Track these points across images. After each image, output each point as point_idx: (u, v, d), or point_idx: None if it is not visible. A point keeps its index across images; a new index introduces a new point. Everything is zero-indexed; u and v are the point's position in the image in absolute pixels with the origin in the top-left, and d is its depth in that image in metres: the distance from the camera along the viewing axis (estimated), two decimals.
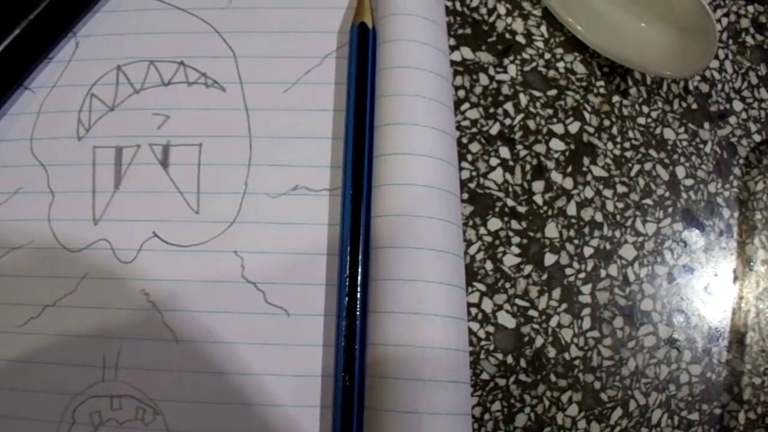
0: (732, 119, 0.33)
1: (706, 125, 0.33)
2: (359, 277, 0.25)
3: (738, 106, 0.33)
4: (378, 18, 0.28)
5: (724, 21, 0.35)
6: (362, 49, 0.28)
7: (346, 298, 0.25)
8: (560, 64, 0.32)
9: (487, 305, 0.28)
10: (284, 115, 0.28)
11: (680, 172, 0.32)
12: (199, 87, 0.29)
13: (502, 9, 0.33)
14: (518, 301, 0.28)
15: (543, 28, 0.32)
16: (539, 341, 0.28)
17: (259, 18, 0.30)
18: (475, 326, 0.28)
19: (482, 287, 0.28)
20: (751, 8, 0.35)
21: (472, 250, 0.29)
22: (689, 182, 0.31)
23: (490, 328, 0.28)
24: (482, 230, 0.29)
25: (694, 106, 0.33)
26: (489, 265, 0.29)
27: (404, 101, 0.26)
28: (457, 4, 0.33)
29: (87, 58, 0.29)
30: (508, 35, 0.32)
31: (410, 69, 0.27)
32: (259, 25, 0.29)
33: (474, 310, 0.28)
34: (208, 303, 0.26)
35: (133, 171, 0.28)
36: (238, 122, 0.28)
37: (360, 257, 0.25)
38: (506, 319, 0.28)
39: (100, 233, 0.28)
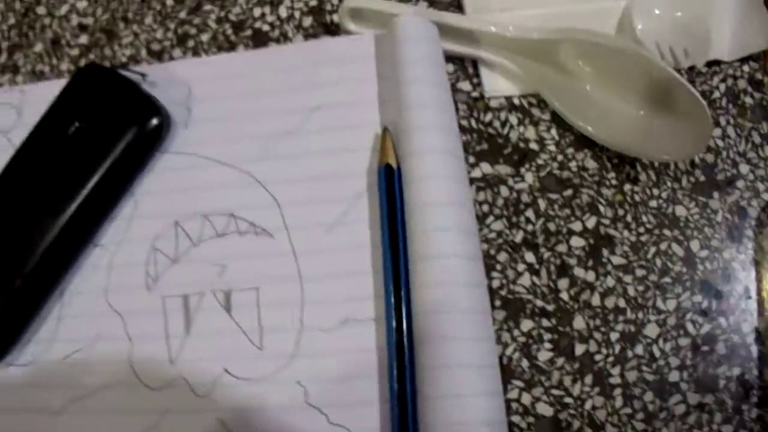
0: (740, 183, 0.45)
1: (716, 195, 0.45)
2: (408, 393, 0.45)
3: (744, 168, 0.46)
4: (402, 157, 0.44)
5: (722, 87, 0.49)
6: (390, 188, 0.45)
7: (398, 410, 0.45)
8: (572, 164, 0.46)
9: (526, 399, 0.41)
10: (328, 255, 0.44)
11: (694, 245, 0.44)
12: (250, 236, 0.47)
13: (513, 119, 0.47)
14: (554, 391, 0.42)
15: (553, 131, 0.47)
16: (576, 425, 0.40)
17: (295, 166, 0.48)
18: (516, 419, 0.41)
19: (520, 383, 0.42)
20: (746, 67, 0.50)
21: (509, 351, 0.42)
22: (704, 253, 0.44)
23: (531, 419, 0.41)
24: (516, 332, 0.43)
25: (702, 178, 0.45)
26: (525, 363, 0.42)
27: (434, 235, 0.44)
28: (473, 122, 0.48)
29: (147, 216, 0.49)
30: (522, 144, 0.47)
31: (435, 204, 0.42)
32: (295, 174, 0.47)
33: (515, 405, 0.41)
34: (279, 427, 0.44)
35: (201, 316, 0.46)
36: (288, 265, 0.45)
37: (407, 377, 0.45)
38: (545, 409, 0.41)
39: (177, 372, 0.46)
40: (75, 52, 0.58)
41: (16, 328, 0.49)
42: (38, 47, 0.59)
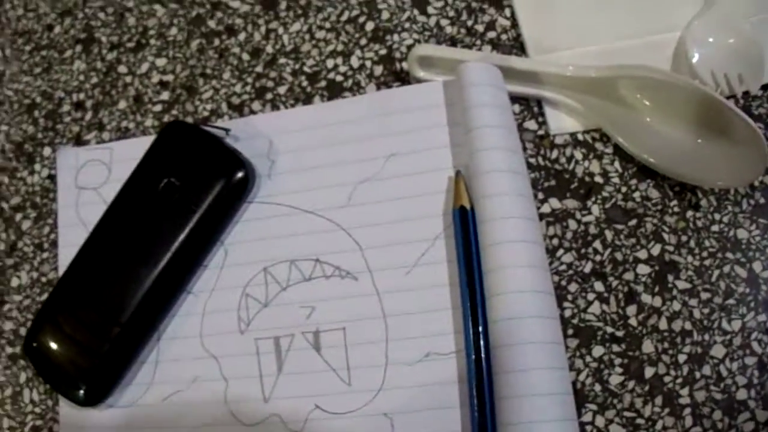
0: None
1: None
2: (488, 421, 0.51)
3: None
4: (475, 198, 0.48)
5: None
6: (465, 229, 0.51)
7: None
8: (636, 194, 0.50)
9: (600, 421, 0.46)
10: (410, 294, 0.50)
11: (757, 266, 0.48)
12: (336, 279, 0.54)
13: (578, 154, 0.52)
14: (626, 413, 0.46)
15: (617, 164, 0.51)
16: None
17: (375, 211, 0.54)
18: None
19: (594, 407, 0.47)
20: None
21: (582, 376, 0.47)
22: (767, 274, 0.48)
23: None
24: (588, 358, 0.48)
25: (762, 200, 0.49)
26: (597, 387, 0.47)
27: (508, 272, 0.49)
28: (540, 159, 0.52)
29: (237, 263, 0.57)
30: (587, 178, 0.51)
31: (509, 243, 0.46)
32: (376, 218, 0.53)
33: (589, 427, 0.46)
34: None
35: (292, 356, 0.53)
36: (372, 305, 0.51)
37: (487, 406, 0.53)
38: (617, 431, 0.46)
39: (271, 409, 0.53)
40: (158, 108, 0.64)
41: (117, 372, 0.57)
42: (122, 104, 0.67)
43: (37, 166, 0.69)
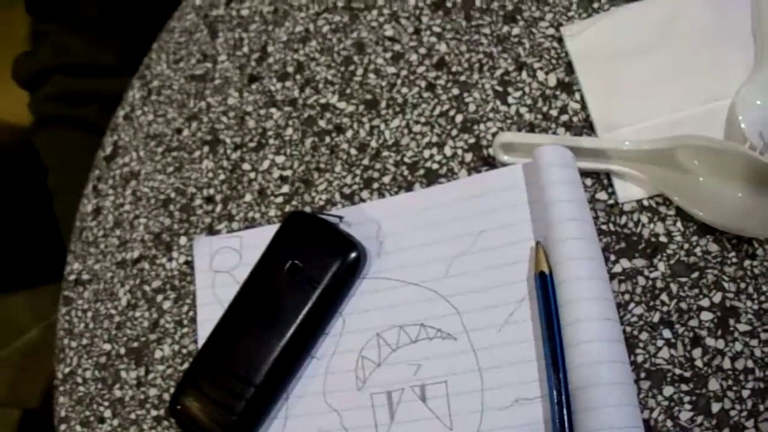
0: None
1: None
2: None
3: None
4: (553, 264, 0.56)
5: None
6: (545, 291, 0.60)
7: None
8: (697, 249, 0.57)
9: None
10: (501, 349, 0.58)
11: None
12: (438, 340, 0.63)
13: (644, 218, 0.59)
14: None
15: (679, 224, 0.58)
16: None
17: (469, 281, 0.65)
18: None
19: None
20: None
21: (654, 414, 0.54)
22: None
23: None
24: (659, 397, 0.54)
25: None
26: (669, 423, 0.53)
27: (583, 325, 0.58)
28: (611, 225, 0.59)
29: (354, 331, 0.69)
30: (653, 239, 0.58)
31: (583, 300, 0.53)
32: (470, 286, 0.61)
33: None
34: None
35: (402, 407, 0.63)
36: (469, 361, 0.59)
37: None
38: None
39: None
40: (279, 200, 0.75)
41: (251, 427, 0.69)
42: (248, 198, 0.78)
43: (174, 254, 0.82)
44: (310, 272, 0.67)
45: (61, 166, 1.23)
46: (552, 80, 0.70)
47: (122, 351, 0.78)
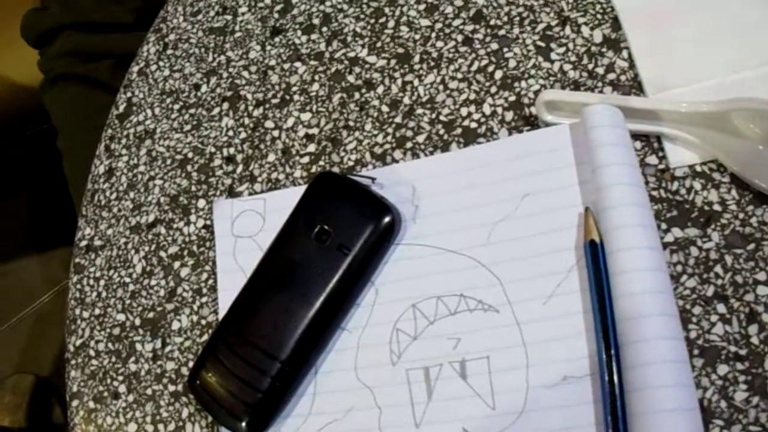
0: None
1: None
2: None
3: None
4: (603, 232, 0.55)
5: None
6: (596, 261, 0.59)
7: None
8: (753, 219, 0.55)
9: None
10: (547, 323, 0.56)
11: None
12: (479, 312, 0.62)
13: (697, 185, 0.57)
14: (752, 428, 0.51)
15: (733, 192, 0.56)
16: None
17: (513, 248, 0.62)
18: None
19: (720, 422, 0.51)
20: None
21: (708, 394, 0.52)
22: None
23: None
24: (713, 376, 0.53)
25: None
26: (723, 404, 0.52)
27: (636, 298, 0.54)
28: (662, 192, 0.57)
29: (387, 301, 0.66)
30: (706, 207, 0.56)
31: (635, 271, 0.51)
32: (513, 254, 0.62)
33: None
34: None
35: (440, 384, 0.61)
36: (513, 335, 0.57)
37: (620, 424, 0.59)
38: None
39: None
40: (305, 159, 0.73)
41: (277, 405, 0.66)
42: (271, 158, 0.76)
43: (192, 217, 0.79)
44: (340, 238, 0.64)
45: (71, 126, 1.20)
46: (598, 36, 0.68)
47: (137, 322, 0.76)
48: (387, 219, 0.64)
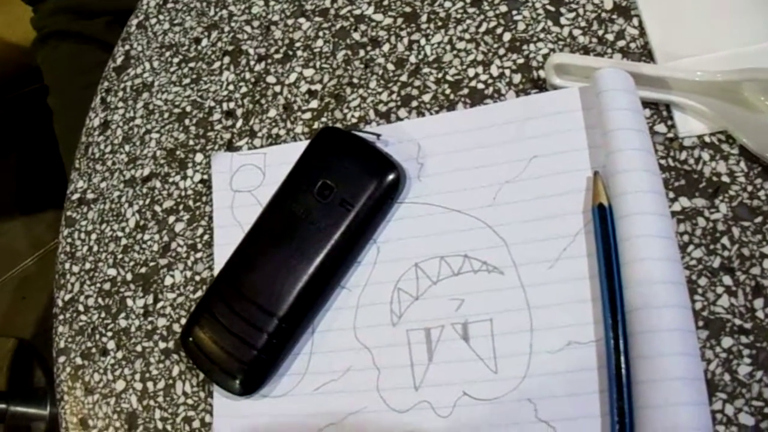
0: None
1: None
2: (626, 406, 0.57)
3: None
4: (612, 196, 0.55)
5: None
6: (604, 225, 0.56)
7: (618, 421, 0.59)
8: (761, 192, 0.55)
9: (729, 410, 0.51)
10: (553, 287, 0.55)
11: None
12: (483, 273, 0.61)
13: (706, 155, 0.56)
14: (755, 402, 0.50)
15: (742, 164, 0.56)
16: None
17: (519, 210, 0.61)
18: (721, 428, 0.50)
19: (723, 395, 0.51)
20: None
21: (711, 366, 0.52)
22: None
23: (734, 429, 0.50)
24: (717, 349, 0.52)
25: None
26: (727, 377, 0.51)
27: (644, 264, 0.53)
28: (670, 161, 0.56)
29: (389, 260, 0.64)
30: (714, 178, 0.56)
31: (644, 237, 0.50)
32: (520, 216, 0.60)
33: (719, 416, 0.50)
34: None
35: (442, 346, 0.60)
36: (517, 298, 0.56)
37: (625, 391, 0.59)
38: (746, 419, 0.50)
39: (420, 396, 0.60)
40: (307, 115, 0.71)
41: (273, 363, 0.64)
42: (272, 113, 0.75)
43: (189, 171, 0.78)
44: (342, 193, 0.63)
45: (63, 83, 1.19)
46: (608, 2, 0.67)
47: (129, 277, 0.75)
48: (391, 176, 0.63)
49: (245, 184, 0.70)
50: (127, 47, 0.87)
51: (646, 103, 0.62)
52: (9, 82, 1.59)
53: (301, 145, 0.66)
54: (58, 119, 1.22)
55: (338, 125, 0.69)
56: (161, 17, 0.87)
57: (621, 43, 0.66)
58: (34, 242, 2.09)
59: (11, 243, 2.14)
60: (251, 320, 0.63)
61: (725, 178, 0.59)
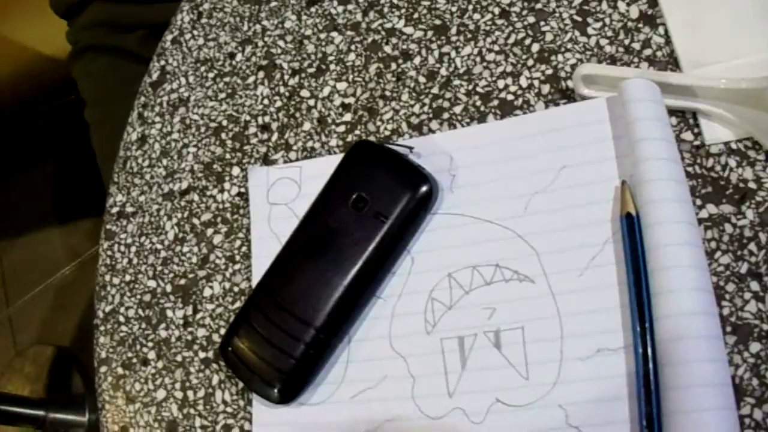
0: None
1: None
2: (654, 411, 0.57)
3: None
4: (639, 205, 0.55)
5: None
6: (632, 234, 0.56)
7: (647, 427, 0.60)
8: None
9: (758, 414, 0.51)
10: (582, 295, 0.56)
11: None
12: (514, 282, 0.63)
13: (732, 162, 0.57)
14: None
15: None
16: None
17: (549, 219, 0.63)
18: None
19: (752, 400, 0.51)
20: None
21: (740, 371, 0.52)
22: None
23: None
24: (746, 354, 0.52)
25: None
26: (755, 382, 0.51)
27: (672, 272, 0.53)
28: (697, 168, 0.56)
29: (423, 270, 0.66)
30: (741, 184, 0.56)
31: (671, 245, 0.51)
32: (550, 226, 0.62)
33: (747, 420, 0.51)
34: None
35: (475, 354, 0.62)
36: (548, 306, 0.58)
37: (653, 397, 0.60)
38: None
39: (454, 403, 0.62)
40: (341, 129, 0.73)
41: (310, 372, 0.67)
42: (306, 126, 0.77)
43: (226, 185, 0.80)
44: (377, 206, 0.65)
45: (99, 97, 1.22)
46: (634, 12, 0.68)
47: (168, 288, 0.77)
48: (424, 188, 0.64)
49: (282, 197, 0.73)
50: (162, 62, 0.90)
51: (673, 111, 0.63)
52: (45, 94, 1.63)
53: (336, 159, 0.68)
54: (96, 132, 1.25)
55: (371, 138, 0.71)
56: (195, 33, 0.90)
57: (647, 52, 0.66)
58: (72, 251, 2.13)
59: (50, 252, 2.18)
60: (289, 330, 0.65)
61: (752, 185, 0.60)
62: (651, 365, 0.55)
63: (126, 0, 1.24)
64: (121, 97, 0.97)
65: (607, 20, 0.71)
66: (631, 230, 0.59)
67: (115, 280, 0.82)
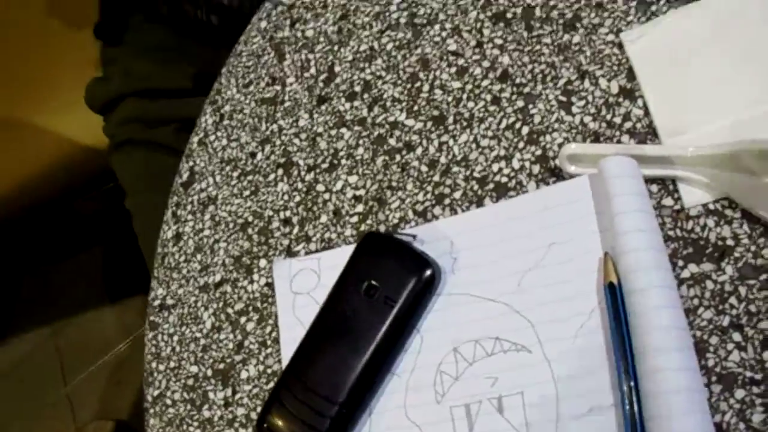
0: None
1: None
2: None
3: None
4: (622, 274, 0.62)
5: None
6: (614, 301, 0.59)
7: None
8: (765, 251, 0.58)
9: None
10: (574, 359, 0.61)
11: None
12: (512, 352, 0.68)
13: (711, 222, 0.61)
14: None
15: (745, 226, 0.60)
16: None
17: (541, 293, 0.68)
18: None
19: None
20: None
21: (727, 417, 0.56)
22: None
23: None
24: (731, 400, 0.56)
25: None
26: (741, 426, 0.55)
27: (653, 334, 0.55)
28: (678, 231, 0.61)
29: (431, 347, 0.73)
30: (720, 242, 0.60)
31: (652, 309, 0.55)
32: (542, 299, 0.66)
33: None
34: None
35: (481, 419, 0.68)
36: (544, 372, 0.63)
37: None
38: None
39: None
40: (354, 219, 0.79)
41: None
42: (323, 218, 0.82)
43: (255, 276, 0.87)
44: (386, 291, 0.71)
45: (138, 188, 1.30)
46: (614, 87, 0.72)
47: (209, 372, 0.83)
48: (428, 272, 0.70)
49: (303, 287, 0.79)
50: (191, 163, 0.98)
51: (654, 180, 0.67)
52: (85, 182, 1.71)
53: (349, 249, 0.74)
54: (137, 220, 1.33)
55: (381, 226, 0.77)
56: (219, 134, 0.97)
57: (628, 125, 0.70)
58: (124, 328, 2.22)
59: (103, 330, 2.27)
60: (315, 407, 0.71)
61: (730, 242, 0.63)
62: (638, 420, 0.59)
63: (156, 96, 1.32)
64: (158, 187, 1.05)
65: (590, 97, 0.73)
66: (614, 298, 0.63)
67: (161, 367, 0.89)
